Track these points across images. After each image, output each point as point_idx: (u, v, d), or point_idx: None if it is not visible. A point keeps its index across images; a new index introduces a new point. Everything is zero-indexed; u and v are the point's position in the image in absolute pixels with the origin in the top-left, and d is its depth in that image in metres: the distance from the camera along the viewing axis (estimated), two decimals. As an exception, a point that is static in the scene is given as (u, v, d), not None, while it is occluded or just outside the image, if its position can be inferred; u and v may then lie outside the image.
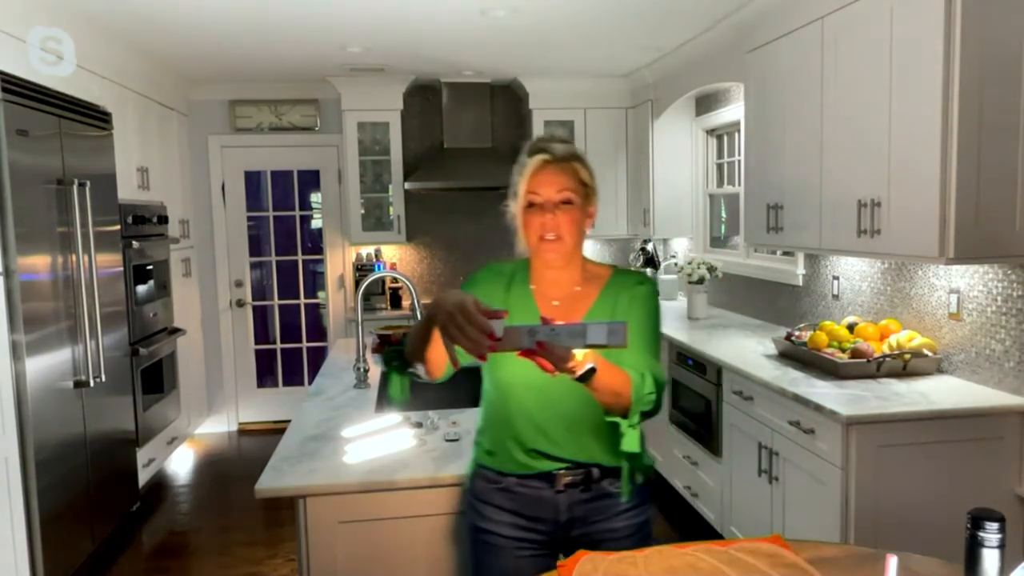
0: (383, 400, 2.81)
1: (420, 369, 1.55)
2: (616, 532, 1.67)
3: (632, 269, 1.69)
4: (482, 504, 1.70)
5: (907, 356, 2.84)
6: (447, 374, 1.60)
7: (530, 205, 1.60)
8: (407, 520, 1.93)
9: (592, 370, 1.36)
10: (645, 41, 4.44)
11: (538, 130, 5.56)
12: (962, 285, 2.82)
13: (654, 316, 1.67)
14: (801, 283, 3.89)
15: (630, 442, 1.48)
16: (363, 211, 5.55)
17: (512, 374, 1.60)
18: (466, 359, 1.37)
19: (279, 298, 5.89)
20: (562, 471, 1.63)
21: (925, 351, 2.87)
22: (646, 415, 1.51)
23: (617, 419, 1.47)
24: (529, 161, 1.61)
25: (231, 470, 4.97)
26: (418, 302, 2.94)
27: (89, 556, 3.34)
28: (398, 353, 1.60)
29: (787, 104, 3.34)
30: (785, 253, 4.07)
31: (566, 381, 1.40)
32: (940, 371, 2.91)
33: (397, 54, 4.66)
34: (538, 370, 1.34)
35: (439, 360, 1.54)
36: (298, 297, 5.91)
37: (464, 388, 3.31)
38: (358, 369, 2.89)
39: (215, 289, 5.70)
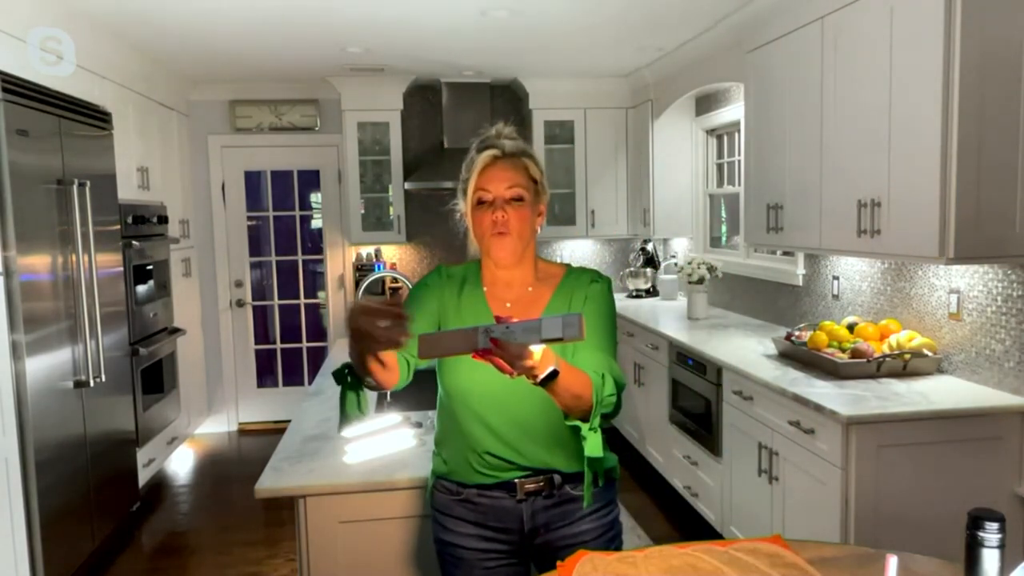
0: (343, 419, 2.79)
1: (372, 383, 1.46)
2: (582, 535, 1.64)
3: (586, 267, 1.72)
4: (444, 517, 1.66)
5: (907, 356, 2.84)
6: (403, 380, 1.53)
7: (480, 202, 1.57)
8: (407, 520, 1.93)
9: (555, 373, 1.31)
10: (645, 41, 4.44)
11: (538, 130, 5.57)
12: (962, 285, 2.82)
13: (610, 314, 1.63)
14: (801, 283, 3.89)
15: (592, 446, 1.42)
16: (363, 211, 5.55)
17: (467, 380, 1.56)
18: (420, 363, 1.34)
19: (279, 298, 5.89)
20: (522, 479, 1.60)
21: (925, 351, 2.87)
22: (606, 417, 1.47)
23: (577, 423, 1.42)
24: (478, 157, 1.58)
25: (231, 470, 4.97)
26: (418, 302, 2.93)
27: (89, 556, 3.34)
28: (348, 372, 1.48)
29: (787, 104, 3.34)
30: (785, 253, 4.07)
31: (521, 386, 1.37)
32: (940, 371, 2.91)
33: (397, 54, 4.66)
34: (493, 376, 1.30)
35: (383, 370, 1.41)
36: (298, 297, 5.91)
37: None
38: (358, 369, 2.89)
39: (215, 289, 5.70)
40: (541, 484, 1.60)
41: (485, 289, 1.65)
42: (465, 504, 1.64)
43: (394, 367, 1.47)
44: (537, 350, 1.26)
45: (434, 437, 1.72)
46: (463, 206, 1.61)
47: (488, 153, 1.58)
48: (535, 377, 1.29)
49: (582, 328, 1.21)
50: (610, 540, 1.67)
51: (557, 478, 1.60)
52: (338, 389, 1.52)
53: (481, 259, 1.66)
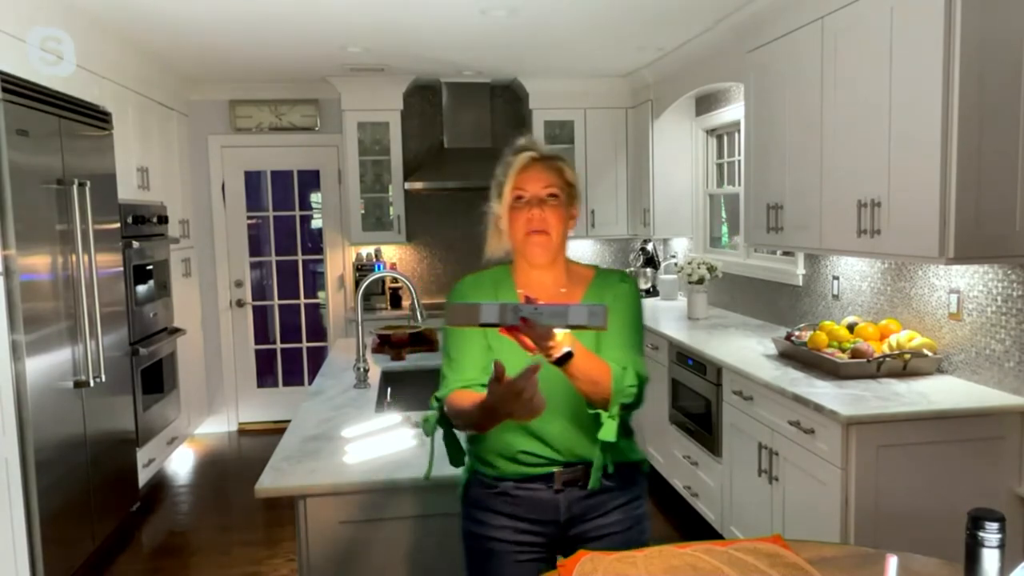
0: (382, 404, 2.80)
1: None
2: (611, 526, 1.67)
3: (614, 269, 1.79)
4: (478, 511, 1.69)
5: (907, 356, 2.84)
6: None
7: (517, 199, 1.62)
8: (407, 520, 1.93)
9: (569, 354, 1.38)
10: (645, 41, 4.44)
11: (538, 130, 5.56)
12: (962, 285, 2.82)
13: (637, 313, 1.69)
14: (801, 283, 3.89)
15: (607, 431, 1.49)
16: (363, 211, 5.55)
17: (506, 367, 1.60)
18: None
19: (279, 298, 5.89)
20: (559, 470, 1.63)
21: (925, 351, 2.87)
22: (627, 407, 1.54)
23: (598, 410, 1.50)
24: (516, 159, 1.64)
25: (231, 470, 4.98)
26: (418, 302, 2.94)
27: (89, 556, 3.34)
28: (444, 422, 1.61)
29: (787, 104, 3.34)
30: (785, 253, 4.07)
31: (553, 384, 1.44)
32: (940, 371, 2.91)
33: (397, 54, 4.66)
34: (541, 379, 1.37)
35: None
36: (298, 297, 5.91)
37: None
38: (358, 369, 2.89)
39: (215, 289, 5.70)
40: (577, 474, 1.63)
41: (519, 291, 1.67)
42: (501, 497, 1.66)
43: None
44: (559, 333, 1.35)
45: (467, 435, 1.70)
46: (496, 207, 1.66)
47: (526, 155, 1.63)
48: (551, 354, 1.37)
49: (605, 319, 1.31)
50: (638, 533, 1.70)
51: (580, 470, 1.64)
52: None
53: (514, 260, 1.71)
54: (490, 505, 1.67)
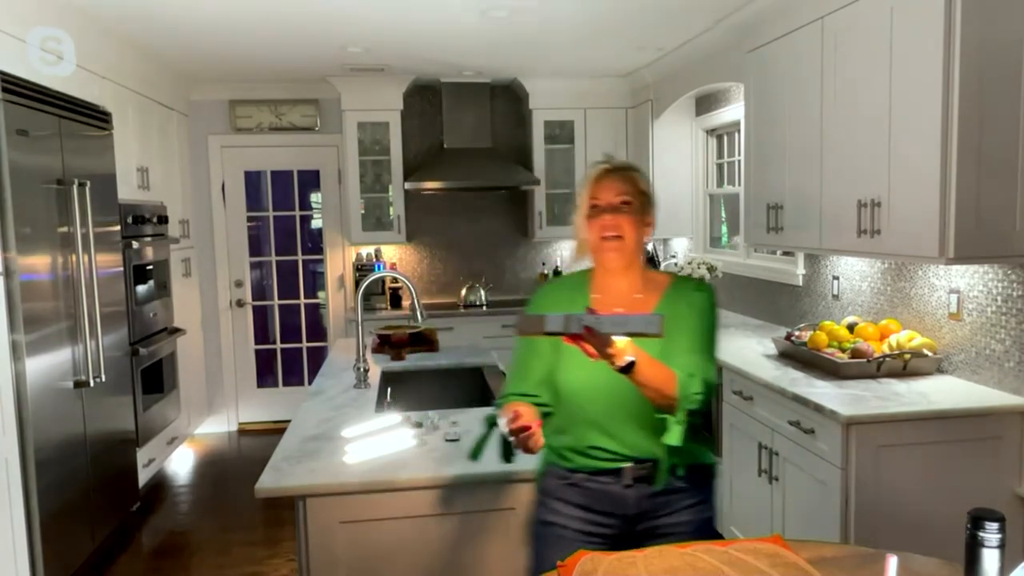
0: (382, 404, 2.81)
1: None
2: (680, 527, 1.72)
3: (690, 277, 1.88)
4: (552, 500, 1.77)
5: (907, 356, 2.84)
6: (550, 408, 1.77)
7: (592, 208, 1.72)
8: (407, 520, 1.93)
9: (632, 363, 1.48)
10: (645, 41, 4.44)
11: (538, 130, 5.57)
12: (962, 285, 2.82)
13: (710, 321, 1.75)
14: (801, 283, 3.89)
15: (672, 436, 1.59)
16: (363, 211, 5.55)
17: (577, 380, 1.70)
18: (547, 403, 1.73)
19: (279, 298, 5.89)
20: (629, 466, 1.70)
21: (925, 351, 2.87)
22: (693, 413, 1.63)
23: (665, 415, 1.59)
24: (590, 171, 1.75)
25: (231, 470, 4.97)
26: (418, 302, 2.94)
27: (89, 556, 3.34)
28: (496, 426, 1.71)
29: (787, 104, 3.34)
30: (785, 253, 4.07)
31: (624, 385, 1.54)
32: (940, 371, 2.91)
33: (397, 54, 4.66)
34: (601, 375, 1.53)
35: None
36: (298, 297, 5.91)
37: (464, 389, 3.32)
38: (358, 369, 2.89)
39: (215, 289, 5.69)
40: (647, 471, 1.70)
41: (594, 296, 1.77)
42: (573, 488, 1.74)
43: (538, 421, 1.62)
44: (620, 341, 1.46)
45: (545, 430, 1.75)
46: (577, 219, 1.76)
47: (599, 166, 1.76)
48: (614, 361, 1.47)
49: (662, 327, 1.42)
50: (705, 536, 1.73)
51: (648, 466, 1.70)
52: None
53: (593, 267, 1.80)
54: (562, 495, 1.75)
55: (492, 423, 1.74)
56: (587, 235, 1.73)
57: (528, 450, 1.57)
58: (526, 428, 1.54)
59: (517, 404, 1.65)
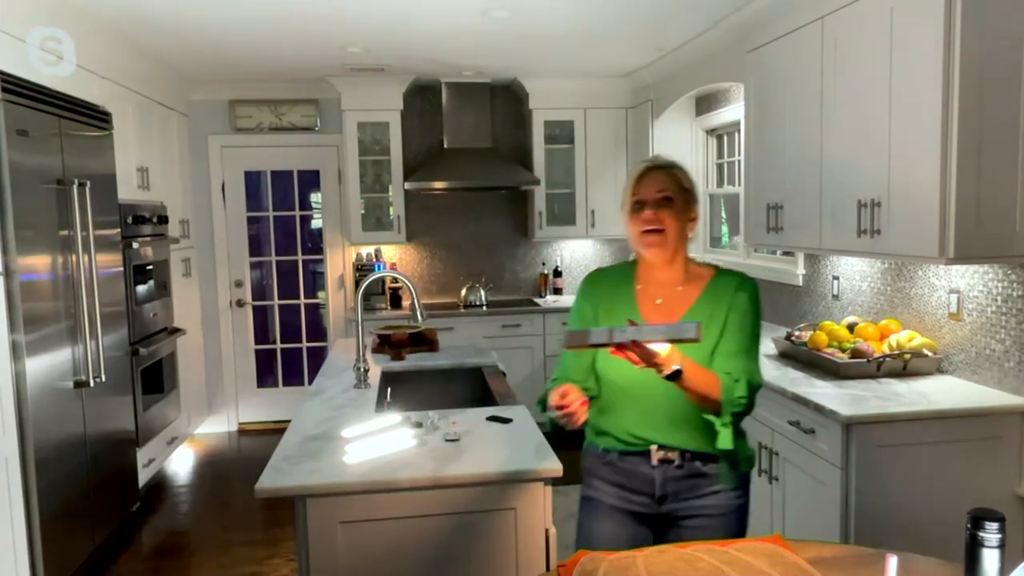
0: (382, 404, 2.81)
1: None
2: (708, 509, 1.83)
3: (733, 271, 1.93)
4: (591, 477, 1.94)
5: (907, 356, 2.84)
6: (592, 392, 1.90)
7: (636, 204, 1.81)
8: (407, 520, 1.93)
9: (679, 372, 1.61)
10: (645, 41, 4.44)
11: (538, 130, 5.57)
12: (962, 285, 2.82)
13: (753, 320, 1.83)
14: (801, 283, 3.89)
15: (723, 440, 1.72)
16: (363, 211, 5.55)
17: (617, 373, 1.81)
18: (591, 386, 1.89)
19: (279, 298, 5.89)
20: (655, 448, 1.82)
21: (925, 351, 2.87)
22: (739, 415, 1.76)
23: (711, 417, 1.73)
24: (635, 169, 1.85)
25: (231, 470, 4.97)
26: (418, 302, 2.94)
27: (89, 556, 3.34)
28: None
29: (787, 104, 3.34)
30: (785, 253, 4.07)
31: (661, 385, 1.66)
32: (940, 371, 2.91)
33: (397, 54, 4.66)
34: (642, 371, 1.62)
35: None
36: (298, 297, 5.91)
37: (464, 389, 3.32)
38: (358, 369, 2.89)
39: (215, 289, 5.69)
40: (672, 455, 1.82)
41: (638, 287, 1.89)
42: (609, 466, 1.89)
43: (583, 401, 1.74)
44: (663, 350, 1.57)
45: (590, 416, 1.87)
46: (623, 213, 1.87)
47: (642, 164, 1.85)
48: (660, 370, 1.60)
49: (699, 333, 1.52)
50: (734, 521, 1.87)
51: (687, 454, 1.82)
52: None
53: (637, 260, 1.91)
54: (599, 473, 1.92)
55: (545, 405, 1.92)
56: (630, 229, 1.83)
57: (570, 426, 1.70)
58: (567, 406, 1.67)
59: (566, 386, 1.76)
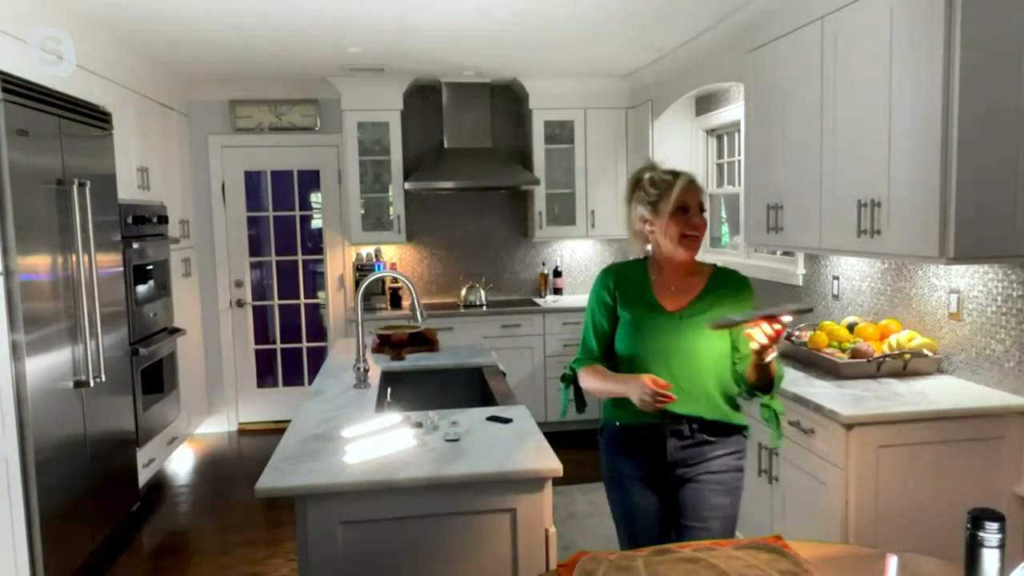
0: (382, 404, 2.81)
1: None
2: (711, 468, 2.07)
3: (728, 268, 2.24)
4: (612, 455, 2.17)
5: (907, 356, 2.84)
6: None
7: (681, 209, 2.05)
8: (407, 520, 1.93)
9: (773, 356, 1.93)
10: (645, 41, 4.44)
11: (538, 130, 5.57)
12: (962, 285, 2.82)
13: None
14: (801, 283, 3.89)
15: (776, 407, 2.10)
16: (363, 211, 5.55)
17: (641, 348, 2.07)
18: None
19: (279, 298, 5.89)
20: (667, 421, 2.04)
21: (925, 351, 2.87)
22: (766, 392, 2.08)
23: (758, 394, 2.06)
24: (678, 180, 2.07)
25: (231, 470, 4.97)
26: (418, 302, 2.94)
27: (89, 556, 3.34)
28: (575, 384, 2.22)
29: (787, 104, 3.34)
30: (785, 253, 4.07)
31: (683, 352, 2.02)
32: (940, 371, 2.91)
33: (397, 54, 4.66)
34: (669, 346, 2.02)
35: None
36: (298, 297, 5.91)
37: (464, 389, 3.32)
38: (358, 369, 2.89)
39: (215, 289, 5.70)
40: (682, 427, 2.05)
41: (652, 278, 2.14)
42: (626, 440, 2.12)
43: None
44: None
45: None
46: (647, 213, 2.09)
47: (686, 177, 2.09)
48: (767, 356, 1.89)
49: (808, 304, 2.05)
50: (733, 479, 2.10)
51: (695, 425, 2.06)
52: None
53: (655, 257, 2.15)
54: (618, 448, 2.15)
55: (569, 382, 2.22)
56: (669, 229, 2.06)
57: (656, 409, 1.93)
58: (665, 387, 1.92)
59: (601, 369, 2.12)
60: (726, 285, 2.12)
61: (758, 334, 1.83)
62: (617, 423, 2.14)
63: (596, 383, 2.12)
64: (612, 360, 2.16)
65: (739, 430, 2.13)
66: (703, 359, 2.04)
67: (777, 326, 1.82)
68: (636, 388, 1.93)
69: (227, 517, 4.13)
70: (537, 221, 5.64)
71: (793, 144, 3.31)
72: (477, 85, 5.53)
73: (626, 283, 2.15)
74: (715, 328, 1.91)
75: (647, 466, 2.09)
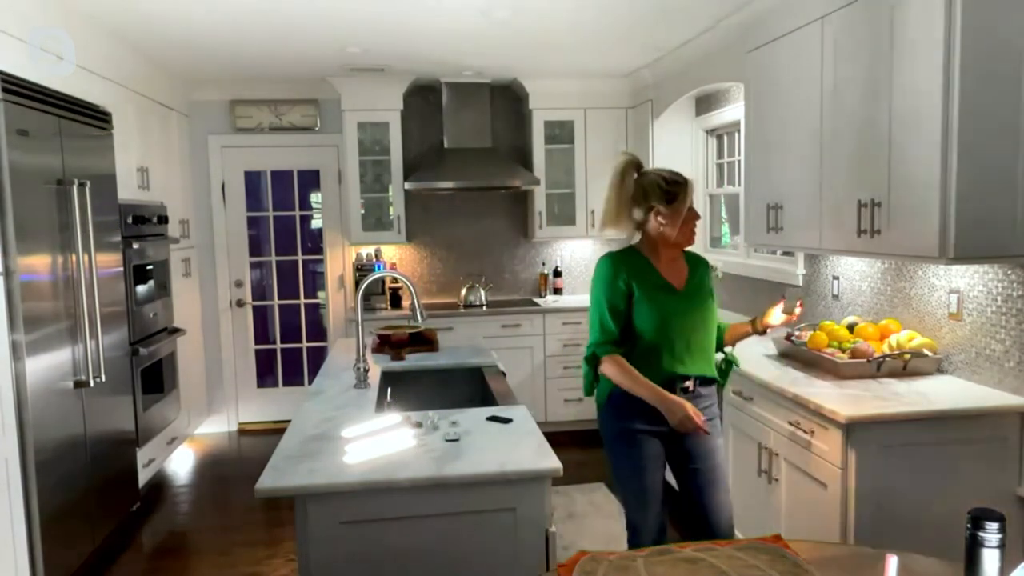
0: (382, 404, 2.80)
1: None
2: (706, 417, 2.41)
3: (693, 251, 2.63)
4: (627, 415, 2.42)
5: (907, 356, 2.84)
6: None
7: (691, 210, 2.44)
8: (407, 520, 1.93)
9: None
10: (645, 41, 4.44)
11: (538, 130, 5.57)
12: (962, 285, 2.82)
13: None
14: (801, 283, 3.89)
15: (736, 357, 2.70)
16: (363, 211, 5.55)
17: (660, 319, 2.38)
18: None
19: (279, 298, 5.89)
20: (677, 378, 2.40)
21: (925, 351, 2.87)
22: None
23: (729, 350, 2.68)
24: (689, 187, 2.44)
25: (231, 470, 4.98)
26: (418, 302, 2.94)
27: (89, 556, 3.34)
28: (595, 368, 2.48)
29: (787, 104, 3.34)
30: (785, 253, 4.07)
31: (696, 320, 2.44)
32: (940, 371, 2.91)
33: (397, 54, 4.66)
34: (684, 318, 2.40)
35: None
36: (298, 297, 5.91)
37: (464, 389, 3.32)
38: (358, 369, 2.89)
39: (215, 289, 5.70)
40: (689, 383, 2.43)
41: (652, 261, 2.46)
42: (641, 401, 2.37)
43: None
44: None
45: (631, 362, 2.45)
46: (664, 209, 2.41)
47: (690, 181, 2.47)
48: (768, 328, 2.70)
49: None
50: (718, 424, 2.53)
51: (698, 380, 2.45)
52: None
53: (652, 243, 2.46)
54: (633, 409, 2.40)
55: (593, 362, 2.45)
56: (682, 226, 2.42)
57: (688, 432, 2.36)
58: (701, 419, 2.33)
59: (630, 368, 2.39)
60: (699, 263, 2.56)
61: (776, 314, 2.63)
62: None
63: (626, 381, 2.37)
64: (628, 339, 2.42)
65: (715, 381, 2.53)
66: (707, 325, 2.46)
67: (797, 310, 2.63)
68: (678, 412, 2.30)
69: (227, 517, 4.13)
70: (537, 221, 5.64)
71: (793, 144, 3.31)
72: (477, 85, 5.53)
73: (633, 268, 2.42)
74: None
75: (659, 420, 2.36)
